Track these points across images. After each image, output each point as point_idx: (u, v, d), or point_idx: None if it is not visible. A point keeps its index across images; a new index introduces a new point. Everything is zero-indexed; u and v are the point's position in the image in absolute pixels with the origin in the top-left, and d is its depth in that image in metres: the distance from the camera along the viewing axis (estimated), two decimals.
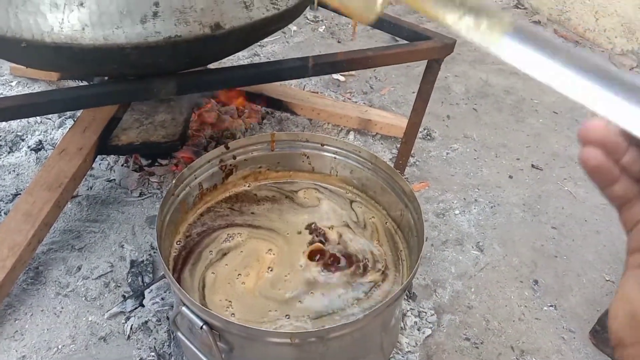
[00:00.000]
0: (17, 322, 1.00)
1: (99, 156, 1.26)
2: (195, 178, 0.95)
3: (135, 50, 0.78)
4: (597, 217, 1.39)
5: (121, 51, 0.78)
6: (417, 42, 1.07)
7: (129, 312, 1.02)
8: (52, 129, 1.45)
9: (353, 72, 1.90)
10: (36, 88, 1.65)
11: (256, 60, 1.93)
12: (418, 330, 1.04)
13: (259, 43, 2.02)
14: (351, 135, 1.56)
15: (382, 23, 1.15)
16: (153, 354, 0.96)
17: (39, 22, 0.74)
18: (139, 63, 0.83)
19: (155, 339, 0.98)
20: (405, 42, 1.11)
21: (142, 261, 1.11)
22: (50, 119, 1.49)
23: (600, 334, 1.06)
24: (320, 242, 0.93)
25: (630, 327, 0.33)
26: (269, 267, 0.88)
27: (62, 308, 1.03)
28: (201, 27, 0.80)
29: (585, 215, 1.40)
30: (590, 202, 1.44)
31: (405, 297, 1.09)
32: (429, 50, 1.05)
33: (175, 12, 0.78)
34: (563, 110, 1.85)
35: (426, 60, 1.11)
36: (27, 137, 1.43)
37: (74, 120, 1.38)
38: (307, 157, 1.05)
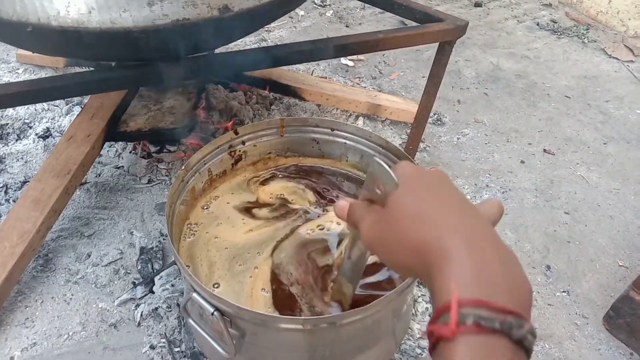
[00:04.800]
0: (27, 309, 1.00)
1: (107, 143, 1.25)
2: (205, 164, 0.94)
3: (143, 33, 0.77)
4: (611, 202, 1.37)
5: (128, 35, 0.77)
6: (429, 24, 1.05)
7: (139, 298, 1.02)
8: (60, 116, 1.44)
9: (362, 57, 1.88)
10: (43, 75, 1.64)
11: (263, 45, 1.91)
12: (429, 316, 1.04)
13: (266, 28, 2.00)
14: (360, 121, 1.54)
15: (394, 6, 1.13)
16: (163, 340, 0.95)
17: (45, 6, 0.73)
18: (146, 47, 0.81)
19: (165, 325, 0.98)
20: (417, 24, 1.09)
21: (152, 248, 1.11)
22: (57, 105, 1.48)
23: (614, 319, 1.05)
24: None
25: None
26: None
27: (72, 295, 1.03)
28: (209, 9, 0.79)
29: (598, 200, 1.38)
30: (603, 187, 1.42)
31: (417, 283, 1.09)
32: (441, 32, 1.03)
33: None
34: (575, 94, 1.82)
35: (437, 43, 1.09)
36: (34, 124, 1.42)
37: (81, 107, 1.37)
38: (317, 143, 1.04)
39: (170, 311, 0.99)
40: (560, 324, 1.07)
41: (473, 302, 0.35)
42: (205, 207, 0.95)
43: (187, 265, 0.83)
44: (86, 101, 1.31)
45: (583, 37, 2.20)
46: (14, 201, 1.19)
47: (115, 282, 1.06)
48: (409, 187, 0.47)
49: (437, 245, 0.40)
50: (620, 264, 1.21)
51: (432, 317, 0.37)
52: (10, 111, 1.45)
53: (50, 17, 0.74)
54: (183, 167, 0.87)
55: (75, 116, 1.25)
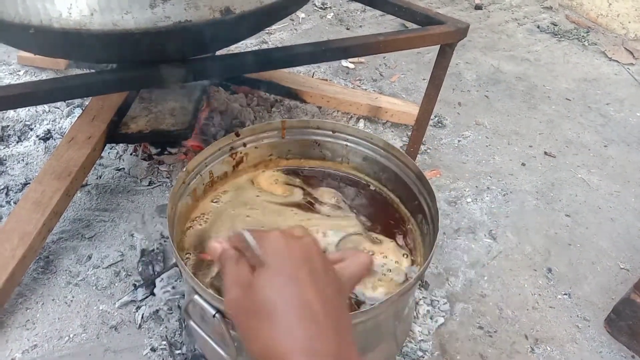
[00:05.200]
0: (28, 311, 1.00)
1: (108, 145, 1.25)
2: (206, 166, 0.94)
3: (145, 35, 0.77)
4: (612, 205, 1.37)
5: (130, 37, 0.77)
6: (430, 27, 1.05)
7: (140, 301, 1.02)
8: (61, 118, 1.44)
9: (362, 59, 1.88)
10: (44, 77, 1.64)
11: (264, 47, 1.91)
12: (431, 319, 1.04)
13: (267, 30, 2.01)
14: (361, 123, 1.54)
15: (395, 8, 1.13)
16: (164, 342, 0.95)
17: (47, 8, 0.73)
18: (148, 49, 0.81)
19: (166, 327, 0.98)
20: (418, 26, 1.09)
21: (153, 250, 1.11)
22: (58, 107, 1.48)
23: (615, 322, 1.05)
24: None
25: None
26: None
27: (73, 297, 1.03)
28: (211, 11, 0.79)
29: (599, 202, 1.38)
30: (604, 189, 1.42)
31: (418, 286, 1.08)
32: (442, 34, 1.03)
33: None
34: (576, 96, 1.82)
35: (438, 46, 1.09)
36: (35, 126, 1.42)
37: (82, 109, 1.37)
38: (319, 145, 1.04)
39: (171, 313, 0.99)
40: (562, 326, 1.07)
41: None
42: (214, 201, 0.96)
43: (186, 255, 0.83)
44: (87, 103, 1.31)
45: (583, 39, 2.20)
46: (14, 203, 1.19)
47: (116, 284, 1.06)
48: (274, 269, 0.47)
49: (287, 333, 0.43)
50: (622, 266, 1.21)
51: None
52: (11, 113, 1.45)
53: (52, 19, 0.74)
54: (184, 169, 0.87)
55: (76, 118, 1.25)
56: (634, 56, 2.10)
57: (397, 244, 0.92)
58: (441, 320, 1.04)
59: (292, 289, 0.45)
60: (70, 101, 1.50)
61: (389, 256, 0.89)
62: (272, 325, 0.43)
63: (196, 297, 0.69)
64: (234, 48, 1.70)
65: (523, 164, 1.48)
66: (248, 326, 0.46)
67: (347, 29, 2.11)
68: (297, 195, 1.00)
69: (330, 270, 0.49)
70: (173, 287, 1.03)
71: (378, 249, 0.90)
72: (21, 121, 1.43)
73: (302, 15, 2.15)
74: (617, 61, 2.07)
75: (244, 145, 0.99)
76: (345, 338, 0.44)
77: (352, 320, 0.49)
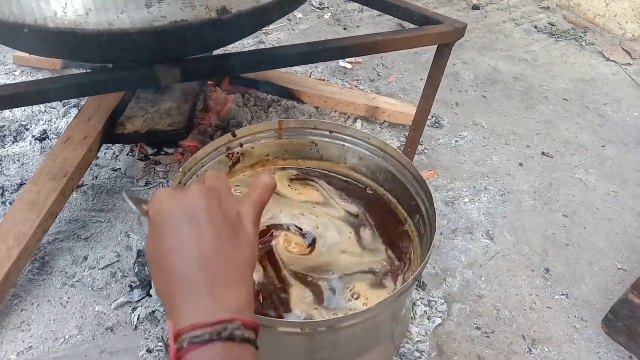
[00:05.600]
0: (23, 312, 0.99)
1: (104, 145, 1.25)
2: (202, 166, 0.94)
3: (140, 35, 0.76)
4: (609, 205, 1.37)
5: (126, 36, 0.76)
6: (427, 27, 1.04)
7: (136, 302, 1.02)
8: (57, 118, 1.44)
9: (360, 59, 1.88)
10: (40, 77, 1.64)
11: (262, 47, 1.90)
12: (428, 319, 1.03)
13: (264, 30, 2.00)
14: (358, 123, 1.54)
15: (392, 8, 1.12)
16: (160, 344, 0.95)
17: (42, 7, 0.72)
18: (144, 49, 0.81)
19: (162, 328, 0.97)
20: (415, 26, 1.09)
21: None
22: (54, 107, 1.47)
23: (612, 322, 1.04)
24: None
25: None
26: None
27: (69, 298, 1.02)
28: (207, 10, 0.78)
29: (596, 202, 1.38)
30: (602, 189, 1.42)
31: (415, 287, 1.08)
32: (439, 34, 1.03)
33: None
34: (573, 97, 1.82)
35: (435, 46, 1.09)
36: (31, 126, 1.41)
37: (78, 109, 1.37)
38: (316, 145, 1.03)
39: None
40: (559, 327, 1.07)
41: (187, 328, 0.42)
42: None
43: None
44: (83, 103, 1.31)
45: (581, 40, 2.20)
46: (10, 203, 1.18)
47: (112, 285, 1.05)
48: (156, 224, 0.49)
49: (167, 294, 0.46)
50: (619, 266, 1.21)
51: None
52: (6, 113, 1.44)
53: (47, 18, 0.73)
54: (180, 170, 0.87)
55: (72, 118, 1.24)
56: (631, 56, 2.10)
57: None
58: (438, 320, 1.03)
59: (168, 239, 0.47)
60: (66, 101, 1.49)
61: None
62: (161, 274, 0.47)
63: None
64: (231, 48, 1.70)
65: (520, 164, 1.48)
66: (152, 276, 0.51)
67: (345, 28, 2.11)
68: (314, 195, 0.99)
69: (224, 208, 0.50)
70: None
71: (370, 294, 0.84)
72: (17, 121, 1.42)
73: (300, 15, 2.15)
74: (614, 61, 2.07)
75: (241, 145, 0.99)
76: (230, 274, 0.47)
77: (250, 253, 0.49)
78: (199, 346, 0.41)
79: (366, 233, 0.92)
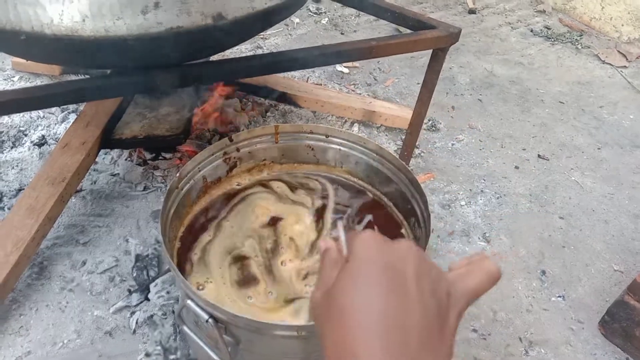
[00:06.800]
0: (22, 317, 1.00)
1: (102, 150, 1.25)
2: (199, 171, 0.94)
3: (137, 41, 0.77)
4: (605, 207, 1.38)
5: (122, 43, 0.77)
6: (422, 32, 1.05)
7: (135, 306, 1.02)
8: (55, 124, 1.44)
9: (357, 64, 1.89)
10: (38, 82, 1.64)
11: (259, 52, 1.91)
12: None
13: (261, 36, 2.01)
14: (355, 127, 1.54)
15: (387, 13, 1.13)
16: (159, 347, 0.95)
17: (39, 14, 0.73)
18: (140, 55, 0.82)
19: (161, 332, 0.98)
20: (410, 31, 1.10)
21: (147, 255, 1.11)
22: (53, 113, 1.48)
23: (609, 324, 1.05)
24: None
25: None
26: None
27: (67, 303, 1.03)
28: (203, 17, 0.79)
29: (592, 205, 1.38)
30: (598, 192, 1.43)
31: None
32: (434, 39, 1.04)
33: (176, 2, 0.76)
34: (569, 100, 1.83)
35: (431, 50, 1.10)
36: (30, 132, 1.42)
37: (76, 115, 1.37)
38: (312, 149, 1.04)
39: (165, 318, 0.99)
40: (556, 329, 1.07)
41: None
42: None
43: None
44: (81, 109, 1.31)
45: (577, 43, 2.21)
46: (8, 209, 1.19)
47: (111, 290, 1.06)
48: (354, 270, 0.41)
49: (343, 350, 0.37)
50: (615, 268, 1.21)
51: None
52: (5, 119, 1.45)
53: (43, 25, 0.74)
54: (177, 175, 0.88)
55: (70, 124, 1.25)
56: (627, 59, 2.11)
57: None
58: None
59: (369, 294, 0.38)
60: (64, 107, 1.50)
61: None
62: (341, 327, 0.38)
63: (189, 302, 0.69)
64: (228, 53, 1.71)
65: (516, 167, 1.49)
66: (322, 330, 0.40)
67: (342, 33, 2.12)
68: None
69: (435, 281, 0.40)
70: (167, 292, 1.03)
71: None
72: (15, 127, 1.43)
73: (297, 20, 2.16)
74: (610, 64, 2.08)
75: (238, 150, 0.99)
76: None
77: (450, 350, 0.39)
78: None
79: None
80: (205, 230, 0.91)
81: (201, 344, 0.74)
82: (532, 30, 2.30)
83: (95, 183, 1.29)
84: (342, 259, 0.44)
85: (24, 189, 1.16)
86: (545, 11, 2.47)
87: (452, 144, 1.55)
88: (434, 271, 0.41)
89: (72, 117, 1.46)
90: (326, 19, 2.20)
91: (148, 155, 1.34)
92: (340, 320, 0.38)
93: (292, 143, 1.03)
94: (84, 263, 1.10)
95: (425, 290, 0.39)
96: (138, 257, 1.11)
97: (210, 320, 0.68)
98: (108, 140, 1.22)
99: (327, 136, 1.02)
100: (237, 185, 1.01)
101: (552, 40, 2.23)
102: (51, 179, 1.08)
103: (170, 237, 0.85)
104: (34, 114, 1.47)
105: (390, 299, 0.38)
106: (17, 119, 1.45)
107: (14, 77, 1.66)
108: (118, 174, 1.31)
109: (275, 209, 0.95)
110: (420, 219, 0.89)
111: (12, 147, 1.38)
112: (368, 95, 1.72)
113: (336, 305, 0.39)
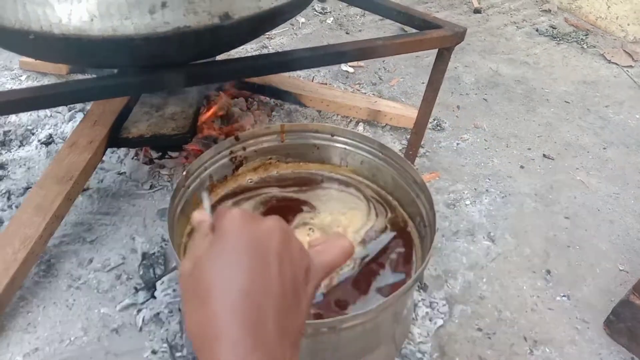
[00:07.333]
0: (29, 314, 1.01)
1: (109, 149, 1.26)
2: (206, 170, 0.95)
3: (144, 41, 0.78)
4: (610, 207, 1.38)
5: (130, 42, 0.77)
6: (428, 31, 1.06)
7: (141, 303, 1.03)
8: (62, 123, 1.45)
9: (362, 63, 1.89)
10: (45, 82, 1.65)
11: (265, 52, 1.92)
12: (430, 320, 1.04)
13: (267, 35, 2.02)
14: (360, 127, 1.55)
15: (393, 12, 1.14)
16: (165, 345, 0.96)
17: (47, 14, 0.74)
18: (148, 54, 0.82)
19: (167, 330, 0.98)
20: (416, 31, 1.10)
21: (154, 253, 1.12)
22: (60, 112, 1.49)
23: (614, 324, 1.05)
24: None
25: None
26: None
27: (74, 300, 1.04)
28: (210, 17, 0.80)
29: (598, 204, 1.38)
30: (603, 191, 1.43)
31: (417, 288, 1.09)
32: (439, 38, 1.04)
33: (183, 2, 0.77)
34: (574, 99, 1.83)
35: (436, 50, 1.10)
36: (37, 130, 1.43)
37: (83, 114, 1.38)
38: (317, 148, 1.04)
39: (172, 316, 1.00)
40: (561, 328, 1.07)
41: None
42: None
43: None
44: (88, 108, 1.32)
45: (582, 42, 2.21)
46: (16, 207, 1.20)
47: (117, 288, 1.06)
48: (219, 248, 0.41)
49: (204, 334, 0.38)
50: (621, 268, 1.21)
51: None
52: (13, 118, 1.46)
53: (52, 24, 0.75)
54: (184, 173, 0.88)
55: (77, 123, 1.26)
56: (633, 58, 2.11)
57: None
58: (440, 322, 1.04)
59: (232, 271, 0.39)
60: (71, 106, 1.51)
61: None
62: (204, 308, 0.38)
63: None
64: (234, 53, 1.71)
65: (522, 167, 1.49)
66: (187, 305, 0.41)
67: (347, 33, 2.12)
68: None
69: (296, 259, 0.42)
70: (174, 290, 1.03)
71: None
72: (23, 126, 1.44)
73: (302, 20, 2.17)
74: (616, 64, 2.08)
75: (244, 149, 1.00)
76: (284, 339, 0.39)
77: (304, 320, 0.42)
78: None
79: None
80: None
81: None
82: (537, 30, 2.30)
83: (102, 182, 1.30)
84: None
85: (31, 188, 1.16)
86: (550, 10, 2.46)
87: (457, 144, 1.55)
88: (297, 248, 0.43)
89: (79, 116, 1.47)
90: (331, 18, 2.21)
91: (154, 154, 1.35)
92: (206, 300, 0.38)
93: (298, 142, 1.04)
94: (90, 261, 1.11)
95: (286, 269, 0.40)
96: (144, 255, 1.11)
97: None
98: (115, 139, 1.23)
99: (332, 135, 1.02)
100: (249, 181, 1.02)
101: (558, 39, 2.23)
102: (58, 178, 1.08)
103: (177, 235, 0.86)
104: (42, 112, 1.48)
105: (252, 277, 0.39)
106: (25, 117, 1.46)
107: (21, 76, 1.67)
108: (125, 172, 1.32)
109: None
110: (426, 218, 0.90)
111: (19, 146, 1.39)
112: (373, 94, 1.73)
113: (203, 282, 0.39)
